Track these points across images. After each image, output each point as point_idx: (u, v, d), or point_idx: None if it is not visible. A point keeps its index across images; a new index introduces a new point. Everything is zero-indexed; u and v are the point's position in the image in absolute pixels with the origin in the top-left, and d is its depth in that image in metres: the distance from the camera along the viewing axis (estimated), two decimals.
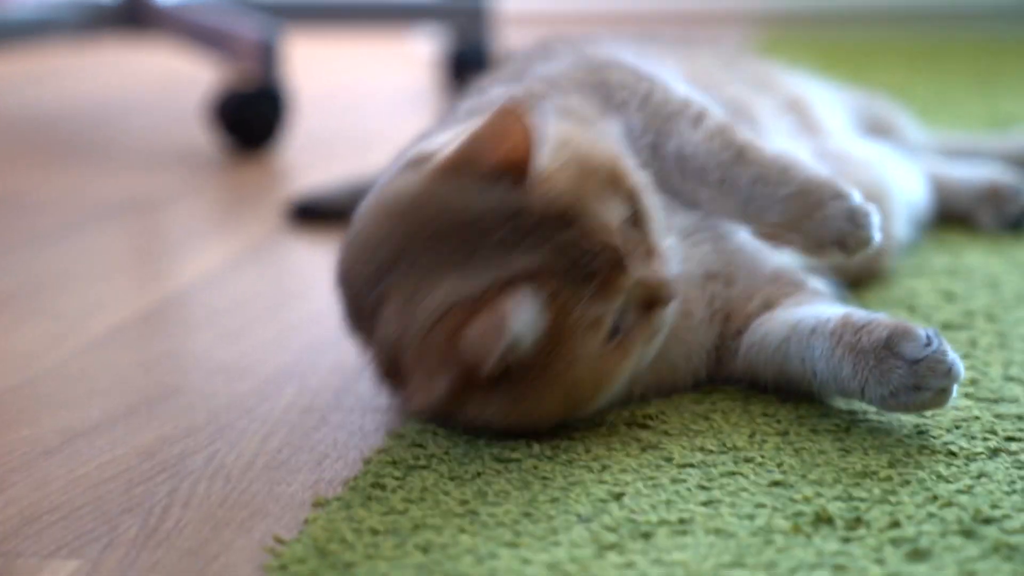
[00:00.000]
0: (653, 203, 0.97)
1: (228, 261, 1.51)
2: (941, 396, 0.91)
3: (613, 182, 0.94)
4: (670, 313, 0.95)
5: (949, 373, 0.90)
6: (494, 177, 0.90)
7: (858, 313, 0.96)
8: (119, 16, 2.30)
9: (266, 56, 2.07)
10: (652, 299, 0.93)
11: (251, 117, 2.07)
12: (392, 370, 0.94)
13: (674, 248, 0.99)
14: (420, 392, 0.90)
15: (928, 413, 0.95)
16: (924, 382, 0.91)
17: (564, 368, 0.90)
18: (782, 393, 1.00)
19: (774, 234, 1.03)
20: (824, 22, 3.35)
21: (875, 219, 1.01)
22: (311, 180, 1.79)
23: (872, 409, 0.96)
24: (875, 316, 0.95)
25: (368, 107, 2.55)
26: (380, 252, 0.93)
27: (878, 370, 0.92)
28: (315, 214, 1.65)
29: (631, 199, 0.94)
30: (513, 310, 0.86)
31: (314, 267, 1.51)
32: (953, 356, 0.91)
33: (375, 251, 0.94)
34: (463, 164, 0.91)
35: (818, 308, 1.00)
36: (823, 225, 1.01)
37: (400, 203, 0.93)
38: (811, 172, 1.03)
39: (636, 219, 0.95)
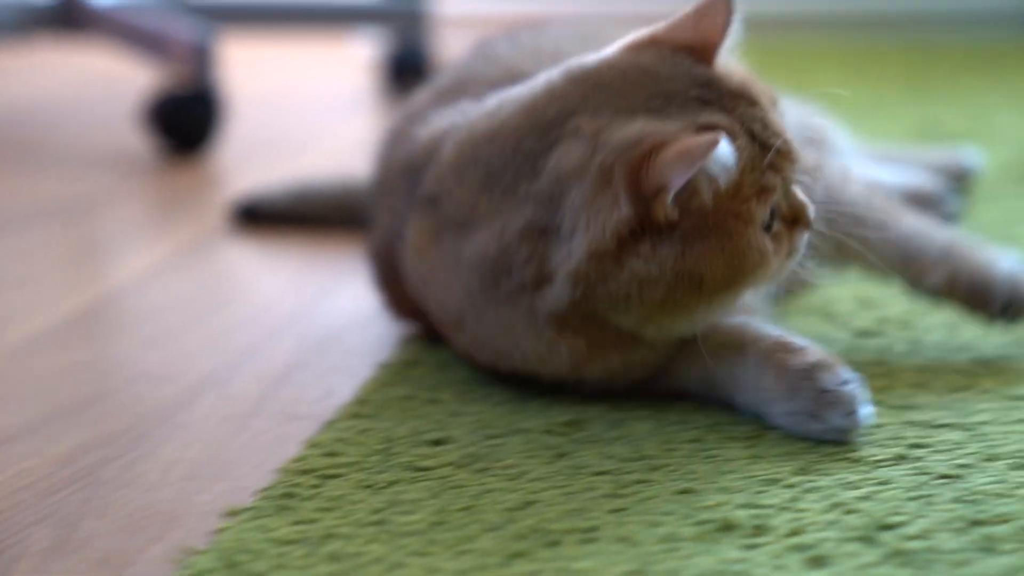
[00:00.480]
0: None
1: (160, 265, 1.51)
2: (836, 434, 0.94)
3: (775, 104, 1.00)
4: (804, 242, 0.99)
5: (850, 415, 0.93)
6: (684, 53, 0.98)
7: (795, 338, 0.99)
8: (53, 17, 2.28)
9: (201, 58, 2.07)
10: (796, 217, 0.98)
11: (186, 120, 2.07)
12: (557, 202, 0.96)
13: None
14: (602, 214, 0.92)
15: None
16: (823, 413, 0.93)
17: (735, 227, 0.93)
18: (701, 399, 1.02)
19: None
20: (761, 27, 3.39)
21: None
22: (247, 183, 1.79)
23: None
24: (810, 345, 0.98)
25: (305, 110, 2.55)
26: (553, 106, 0.98)
27: (791, 388, 0.95)
28: (258, 216, 1.65)
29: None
30: (711, 142, 0.89)
31: (247, 272, 1.52)
32: (862, 404, 0.94)
33: (546, 108, 0.98)
34: (659, 39, 0.99)
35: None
36: None
37: (585, 68, 0.99)
38: None
39: None
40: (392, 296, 1.18)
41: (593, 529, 0.83)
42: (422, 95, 1.24)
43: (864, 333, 1.17)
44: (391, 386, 1.08)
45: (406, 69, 2.58)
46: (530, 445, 0.96)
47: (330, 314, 1.31)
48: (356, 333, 1.24)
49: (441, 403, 1.04)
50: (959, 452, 0.93)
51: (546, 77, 1.01)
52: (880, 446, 0.94)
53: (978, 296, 1.09)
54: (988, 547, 0.79)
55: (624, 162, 0.92)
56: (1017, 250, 1.13)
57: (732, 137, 0.93)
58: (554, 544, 0.81)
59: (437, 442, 0.97)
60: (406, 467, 0.92)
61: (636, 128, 0.93)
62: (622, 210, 0.92)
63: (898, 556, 0.79)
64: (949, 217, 1.47)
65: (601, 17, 1.47)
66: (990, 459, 0.91)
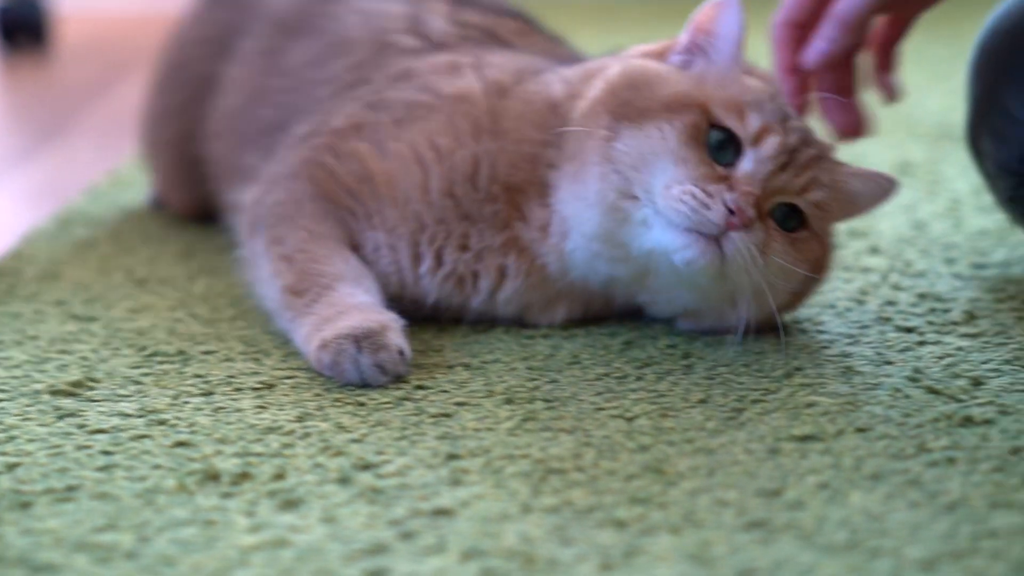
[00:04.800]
0: None
1: None
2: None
3: None
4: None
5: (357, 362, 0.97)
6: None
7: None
8: None
9: None
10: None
11: None
12: None
13: None
14: None
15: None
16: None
17: None
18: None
19: None
20: None
21: None
22: None
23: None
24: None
25: None
26: None
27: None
28: None
29: None
30: None
31: None
32: (372, 360, 0.97)
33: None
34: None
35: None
36: None
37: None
38: None
39: None
40: None
41: (73, 488, 0.82)
42: None
43: None
44: None
45: (20, 27, 2.47)
46: (34, 407, 0.94)
47: None
48: None
49: None
50: (461, 391, 0.97)
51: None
52: (386, 391, 0.97)
53: None
54: (456, 479, 0.83)
55: None
56: None
57: None
58: (25, 506, 0.80)
59: None
60: None
61: None
62: None
63: (369, 493, 0.81)
64: None
65: None
66: (487, 396, 0.96)
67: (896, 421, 0.90)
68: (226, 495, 0.82)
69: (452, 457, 0.86)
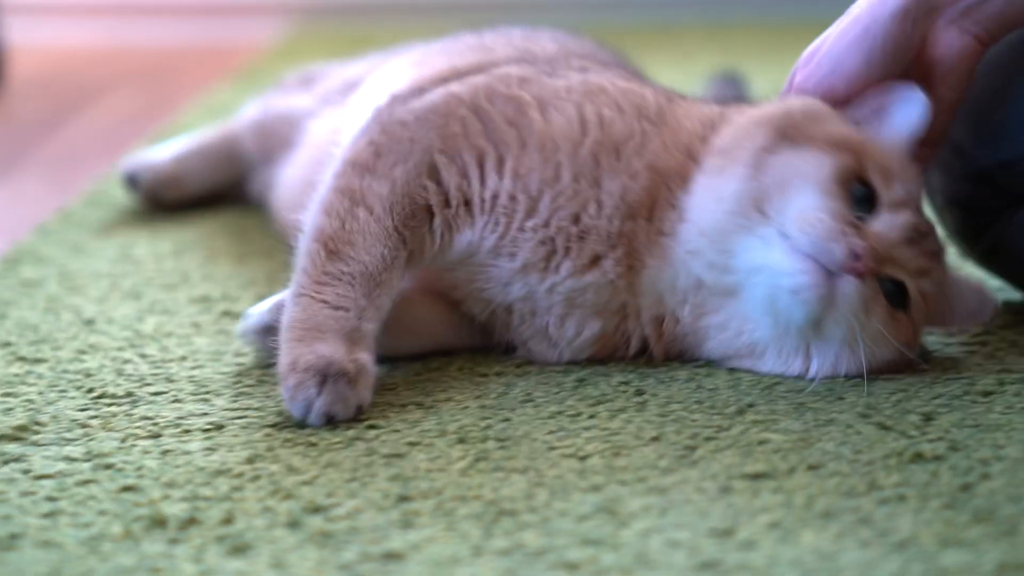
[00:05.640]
0: None
1: None
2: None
3: None
4: None
5: None
6: None
7: None
8: None
9: None
10: None
11: None
12: None
13: None
14: None
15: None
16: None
17: None
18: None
19: None
20: (356, 14, 3.41)
21: None
22: None
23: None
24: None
25: None
26: None
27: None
28: None
29: None
30: None
31: None
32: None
33: None
34: None
35: None
36: None
37: None
38: None
39: None
40: None
41: (16, 536, 0.81)
42: None
43: None
44: None
45: None
46: None
47: None
48: None
49: None
50: (413, 430, 0.96)
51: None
52: (336, 430, 0.96)
53: None
54: (407, 522, 0.82)
55: None
56: None
57: None
58: None
59: None
60: None
61: None
62: None
63: (319, 537, 0.81)
64: None
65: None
66: (440, 435, 0.95)
67: (847, 458, 0.90)
68: (173, 541, 0.81)
69: (403, 499, 0.85)
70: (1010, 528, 0.80)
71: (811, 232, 0.98)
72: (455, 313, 1.10)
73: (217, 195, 1.59)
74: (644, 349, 1.08)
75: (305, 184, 1.21)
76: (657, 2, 3.39)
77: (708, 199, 1.03)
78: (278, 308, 1.03)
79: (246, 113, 1.60)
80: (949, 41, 1.05)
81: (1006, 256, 1.14)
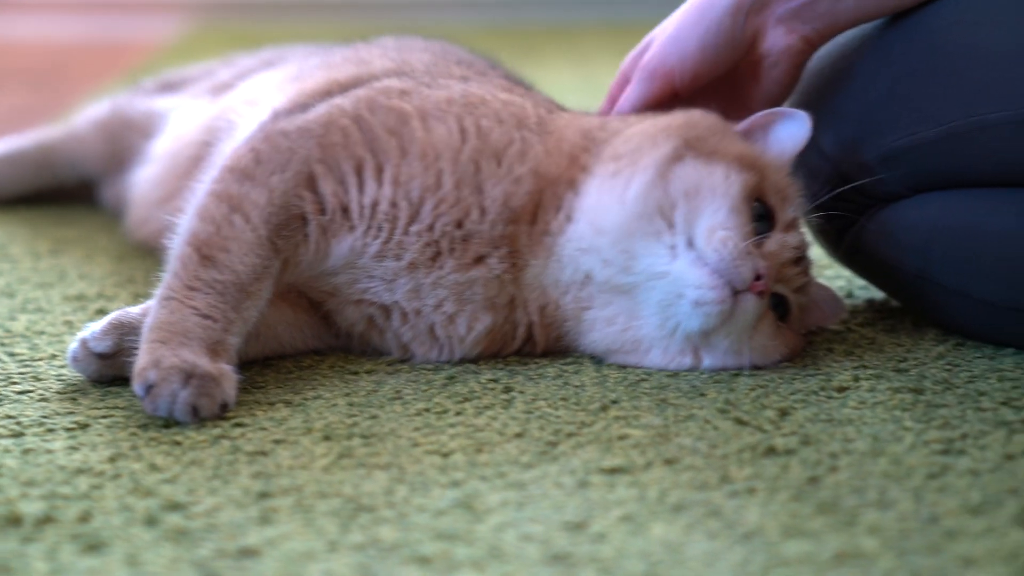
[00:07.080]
0: None
1: None
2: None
3: None
4: None
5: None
6: None
7: None
8: None
9: None
10: None
11: None
12: None
13: None
14: None
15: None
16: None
17: None
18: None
19: None
20: (258, 9, 3.39)
21: None
22: None
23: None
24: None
25: None
26: None
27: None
28: None
29: None
30: None
31: None
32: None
33: None
34: None
35: None
36: None
37: None
38: None
39: None
40: None
41: None
42: None
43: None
44: None
45: None
46: None
47: None
48: None
49: None
50: (280, 428, 0.96)
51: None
52: (202, 428, 0.96)
53: None
54: (266, 518, 0.83)
55: None
56: None
57: None
58: None
59: None
60: None
61: None
62: None
63: (175, 534, 0.81)
64: None
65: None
66: (306, 432, 0.96)
67: (703, 452, 0.92)
68: (27, 539, 0.80)
69: (264, 496, 0.86)
70: (851, 519, 0.82)
71: (722, 250, 1.02)
72: (301, 314, 1.11)
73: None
74: (528, 339, 1.10)
75: (167, 177, 1.22)
76: (555, 2, 3.42)
77: (606, 200, 1.06)
78: (116, 330, 1.03)
79: (87, 114, 1.59)
80: (776, 38, 1.11)
81: (864, 258, 1.18)
